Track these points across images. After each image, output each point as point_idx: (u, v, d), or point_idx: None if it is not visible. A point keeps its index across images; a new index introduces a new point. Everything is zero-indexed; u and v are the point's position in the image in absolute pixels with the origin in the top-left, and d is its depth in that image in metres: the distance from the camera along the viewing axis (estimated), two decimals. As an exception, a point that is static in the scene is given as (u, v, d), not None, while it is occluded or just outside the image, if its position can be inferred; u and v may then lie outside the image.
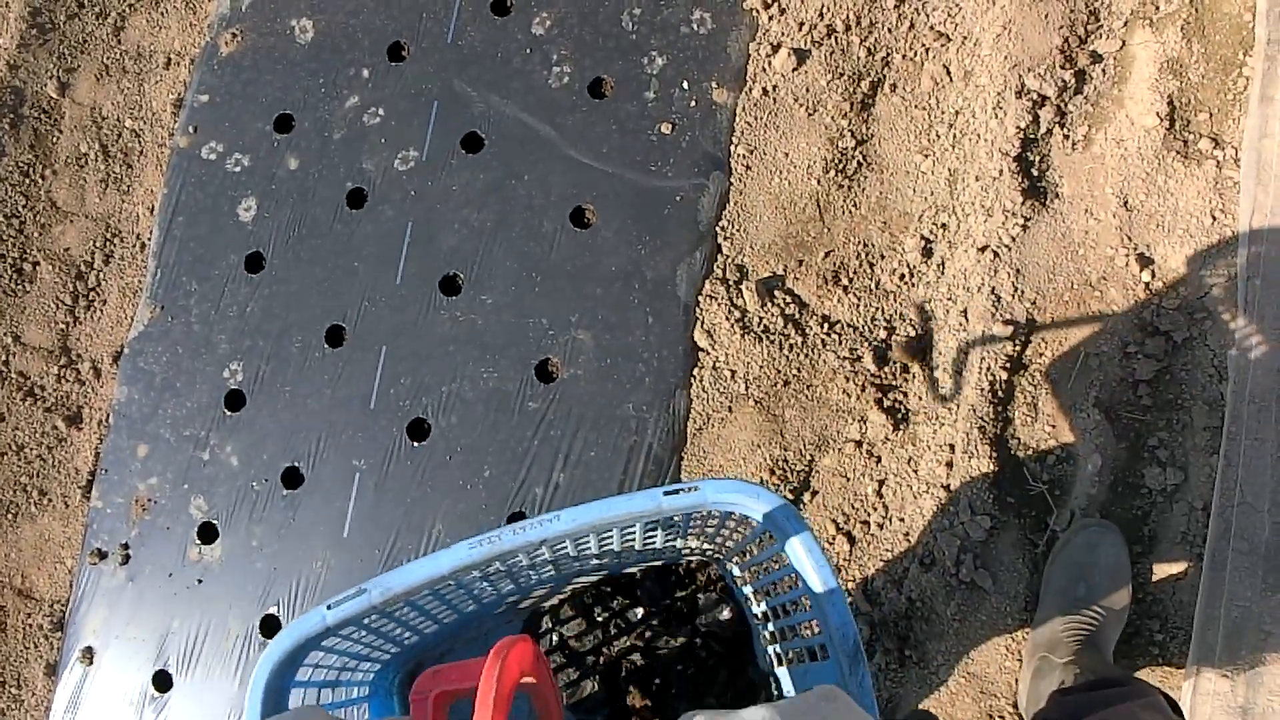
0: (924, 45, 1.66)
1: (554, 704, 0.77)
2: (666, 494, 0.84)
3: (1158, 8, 1.64)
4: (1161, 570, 1.46)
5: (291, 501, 1.70)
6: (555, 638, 1.46)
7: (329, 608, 0.84)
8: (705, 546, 1.20)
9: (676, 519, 0.97)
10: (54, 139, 2.03)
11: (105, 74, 2.05)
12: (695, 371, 1.62)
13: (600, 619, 1.44)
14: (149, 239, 1.91)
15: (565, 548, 1.01)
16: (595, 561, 1.19)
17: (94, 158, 2.00)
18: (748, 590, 1.24)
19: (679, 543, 1.17)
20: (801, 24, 1.69)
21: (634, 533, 1.01)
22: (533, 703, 0.78)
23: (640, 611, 1.41)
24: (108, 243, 1.95)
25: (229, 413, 1.76)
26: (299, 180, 1.82)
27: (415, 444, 1.68)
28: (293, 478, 1.71)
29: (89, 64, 2.06)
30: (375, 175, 1.79)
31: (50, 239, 1.97)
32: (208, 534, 1.72)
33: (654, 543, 1.12)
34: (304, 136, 1.83)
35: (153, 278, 1.87)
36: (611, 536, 1.00)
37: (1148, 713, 1.10)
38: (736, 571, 1.24)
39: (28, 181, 2.00)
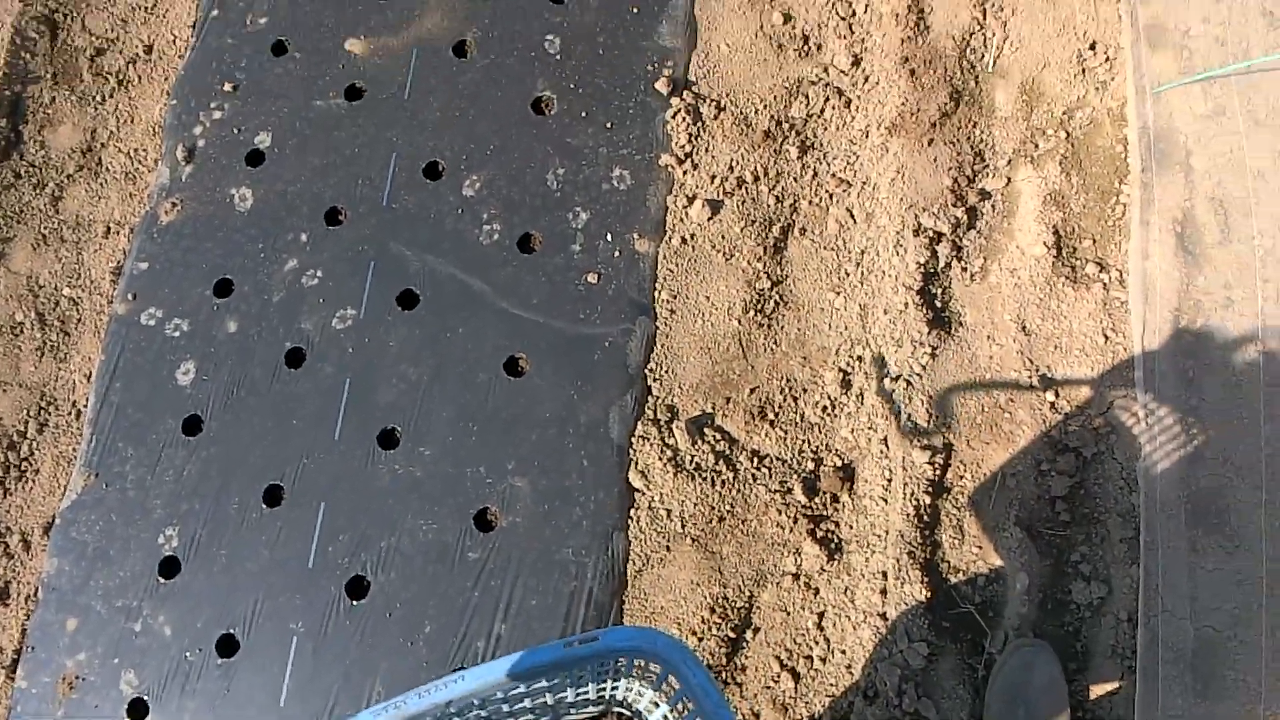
0: (827, 191, 1.91)
1: None
2: (567, 645, 0.96)
3: (1037, 145, 1.91)
4: (1097, 685, 1.59)
5: (226, 671, 1.77)
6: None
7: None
8: (629, 689, 1.30)
9: (610, 663, 1.08)
10: (-12, 308, 2.17)
11: (43, 243, 2.22)
12: (632, 512, 1.76)
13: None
14: (85, 406, 2.04)
15: (498, 700, 1.11)
16: (530, 716, 1.29)
17: (30, 326, 2.14)
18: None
19: (604, 688, 1.27)
20: (714, 177, 1.93)
21: (557, 683, 1.11)
22: None
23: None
24: (42, 411, 2.07)
25: (163, 580, 1.85)
26: (238, 342, 1.98)
27: (354, 602, 1.77)
28: (228, 645, 1.79)
29: (26, 234, 2.23)
30: (314, 334, 1.95)
31: (-18, 409, 2.08)
32: (138, 711, 1.77)
33: (586, 692, 1.22)
34: (244, 300, 2.01)
35: (88, 445, 1.99)
36: (538, 687, 1.10)
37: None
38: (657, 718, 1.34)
39: (-39, 352, 2.13)
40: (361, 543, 1.81)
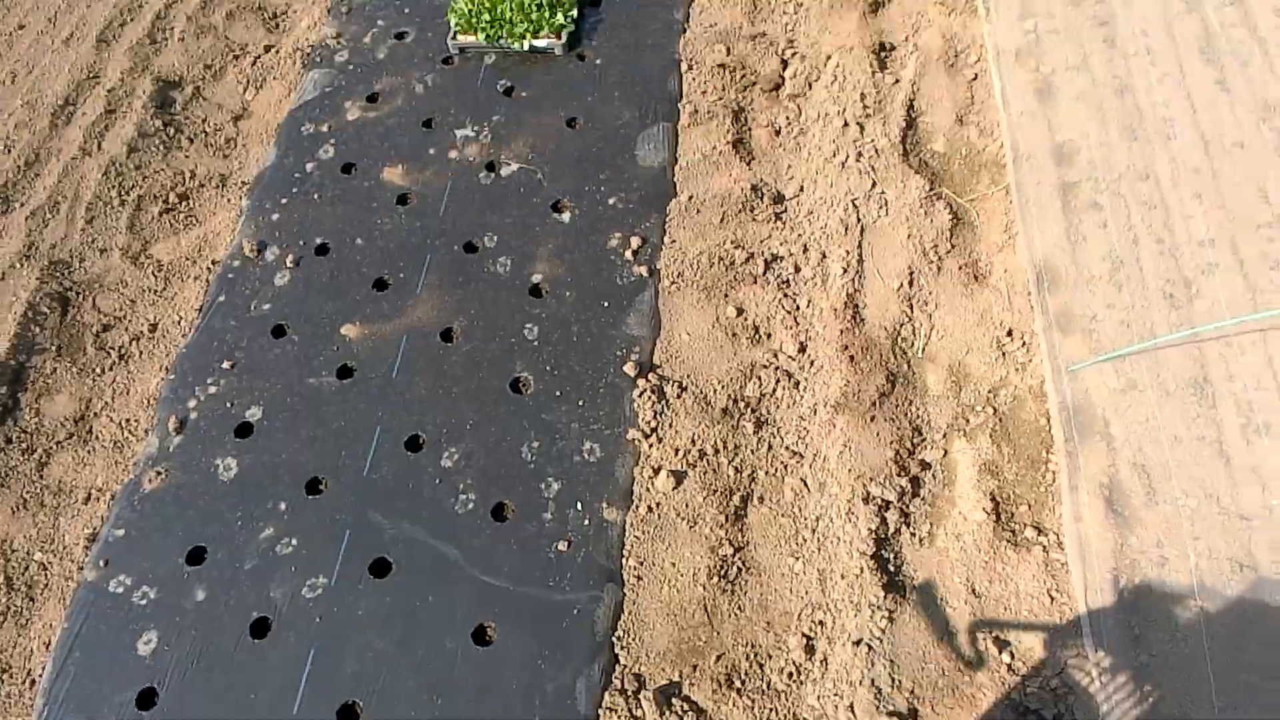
0: (782, 462, 2.09)
1: None
2: None
3: (968, 420, 2.13)
4: None
5: None
6: None
7: None
8: None
9: None
10: (-45, 575, 2.18)
11: (22, 507, 2.27)
12: (599, 790, 1.73)
13: None
14: (40, 675, 2.00)
15: None
16: None
17: (-6, 592, 2.15)
18: None
19: None
20: (677, 450, 2.12)
21: None
22: None
23: None
24: (-6, 682, 2.02)
25: None
26: (205, 611, 2.00)
27: None
28: None
29: (7, 498, 2.29)
30: (282, 603, 1.99)
31: (-71, 683, 2.03)
32: None
33: None
34: (216, 567, 2.06)
35: (39, 716, 1.93)
36: None
37: None
38: None
39: (-82, 621, 2.11)
40: (312, 831, 1.74)
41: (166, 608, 2.03)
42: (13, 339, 2.53)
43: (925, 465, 2.07)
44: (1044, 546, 1.94)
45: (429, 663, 1.90)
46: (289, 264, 2.56)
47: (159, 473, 2.25)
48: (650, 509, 2.06)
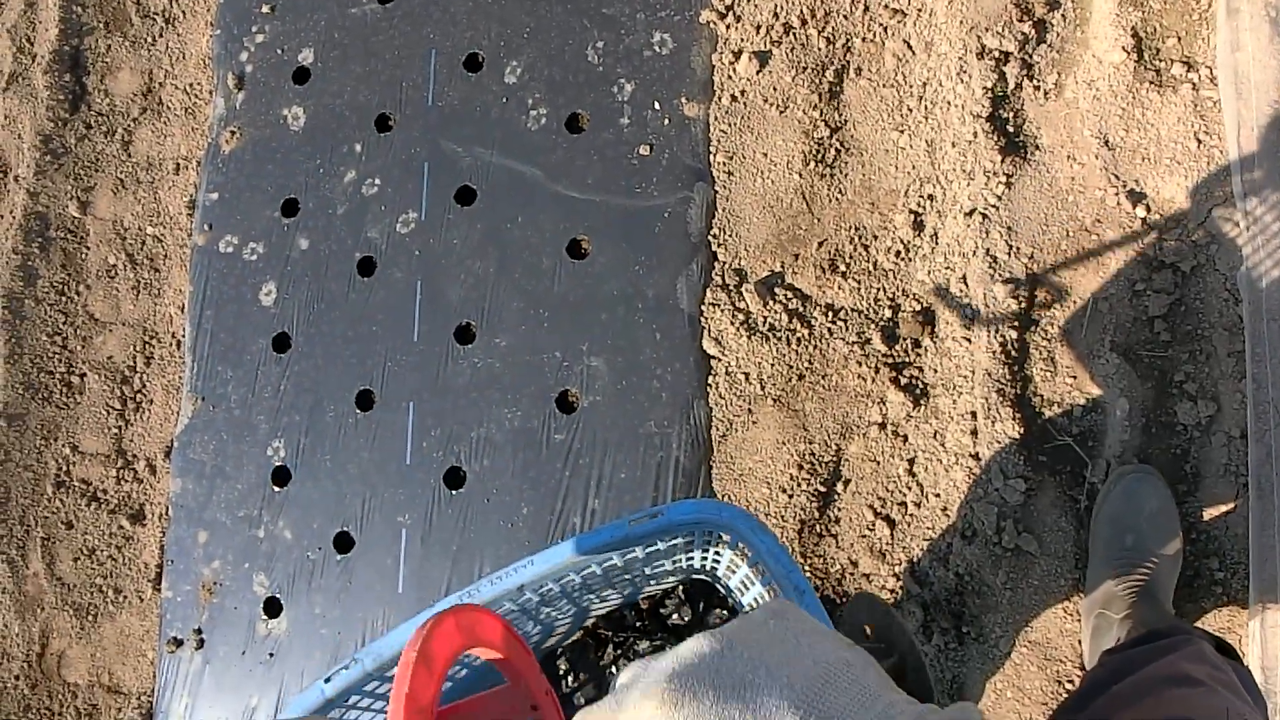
0: (881, 24, 1.73)
1: (531, 675, 0.78)
2: (633, 522, 0.90)
3: (1111, -56, 1.68)
4: (1211, 507, 1.47)
5: (346, 566, 1.81)
6: (573, 677, 1.49)
7: (326, 680, 0.90)
8: (704, 558, 1.24)
9: (677, 540, 1.03)
10: (83, 255, 2.21)
11: (121, 187, 2.22)
12: (710, 380, 1.69)
13: (613, 653, 1.47)
14: (183, 336, 2.07)
15: (572, 578, 1.06)
16: (611, 591, 1.25)
17: (122, 267, 2.17)
18: (746, 601, 1.28)
19: (678, 560, 1.22)
20: (758, 27, 1.77)
21: (631, 558, 1.06)
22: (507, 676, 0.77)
23: (645, 644, 1.45)
24: (146, 345, 2.12)
25: (277, 489, 1.89)
26: (311, 258, 1.96)
27: (454, 492, 1.78)
28: (344, 542, 1.83)
29: (104, 180, 2.24)
30: (381, 242, 1.92)
31: (93, 350, 2.14)
32: (273, 608, 1.84)
33: (662, 564, 1.17)
34: (310, 217, 1.98)
35: (191, 372, 2.02)
36: (611, 561, 1.04)
37: (1192, 664, 1.09)
38: (734, 585, 1.28)
39: (64, 299, 2.18)
40: (452, 436, 1.80)
41: (276, 260, 1.99)
42: (60, 23, 2.31)
43: (1053, 4, 1.67)
44: (1193, 84, 1.59)
45: (529, 281, 1.82)
46: (298, -123, 2.14)
47: (233, 132, 2.10)
48: (734, 98, 1.78)
